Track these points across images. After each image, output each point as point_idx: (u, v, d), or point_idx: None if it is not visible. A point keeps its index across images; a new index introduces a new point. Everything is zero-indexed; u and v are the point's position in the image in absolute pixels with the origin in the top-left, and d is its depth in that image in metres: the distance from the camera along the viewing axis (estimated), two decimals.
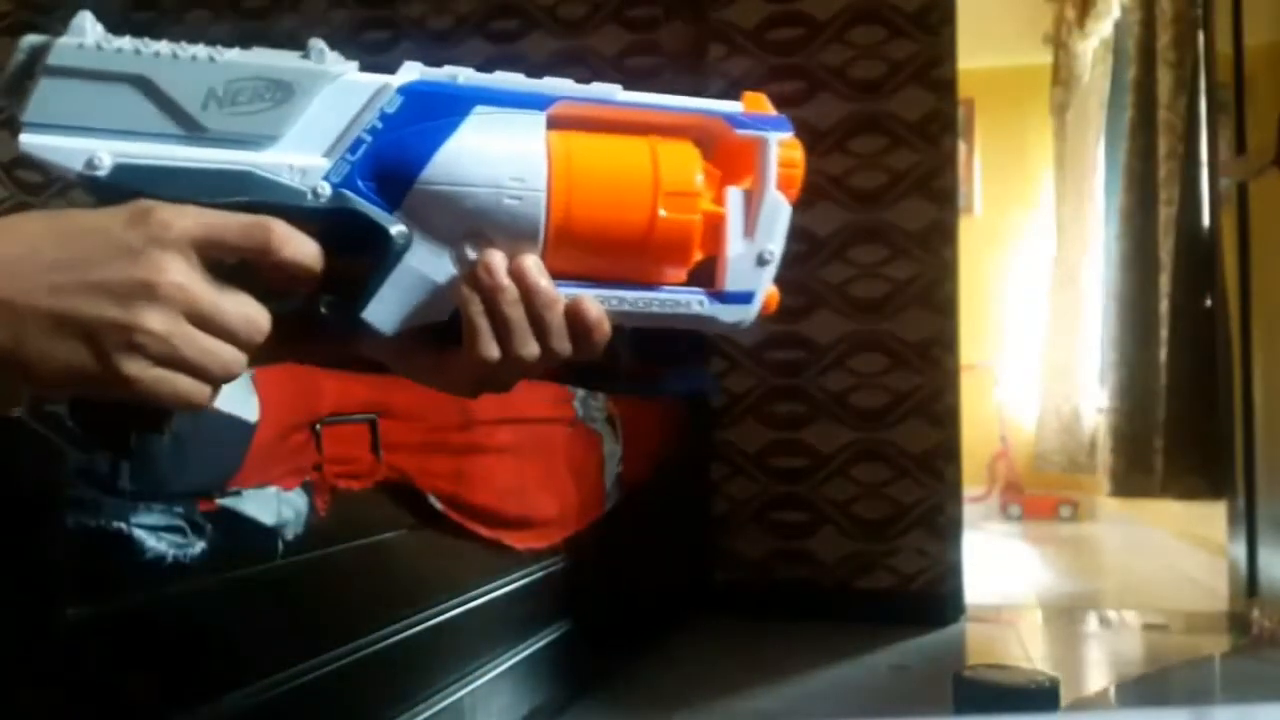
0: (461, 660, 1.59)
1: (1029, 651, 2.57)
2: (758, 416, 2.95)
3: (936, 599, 2.81)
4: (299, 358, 0.63)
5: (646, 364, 2.78)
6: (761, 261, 0.59)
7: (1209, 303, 2.99)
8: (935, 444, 2.85)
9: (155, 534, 0.97)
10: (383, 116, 0.54)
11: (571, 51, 3.19)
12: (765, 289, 0.60)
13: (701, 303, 0.59)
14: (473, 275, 0.54)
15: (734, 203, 0.58)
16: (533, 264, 0.55)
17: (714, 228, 0.58)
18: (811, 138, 2.88)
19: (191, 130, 0.51)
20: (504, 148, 0.55)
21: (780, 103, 0.60)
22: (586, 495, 2.01)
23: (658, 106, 0.58)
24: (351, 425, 1.31)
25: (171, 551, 0.98)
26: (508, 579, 1.74)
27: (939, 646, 2.59)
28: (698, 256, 0.58)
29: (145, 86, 0.50)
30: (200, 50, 0.51)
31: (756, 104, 0.60)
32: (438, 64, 0.57)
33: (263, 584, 1.16)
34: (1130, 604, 3.14)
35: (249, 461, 1.09)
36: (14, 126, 0.49)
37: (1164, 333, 3.05)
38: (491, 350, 0.55)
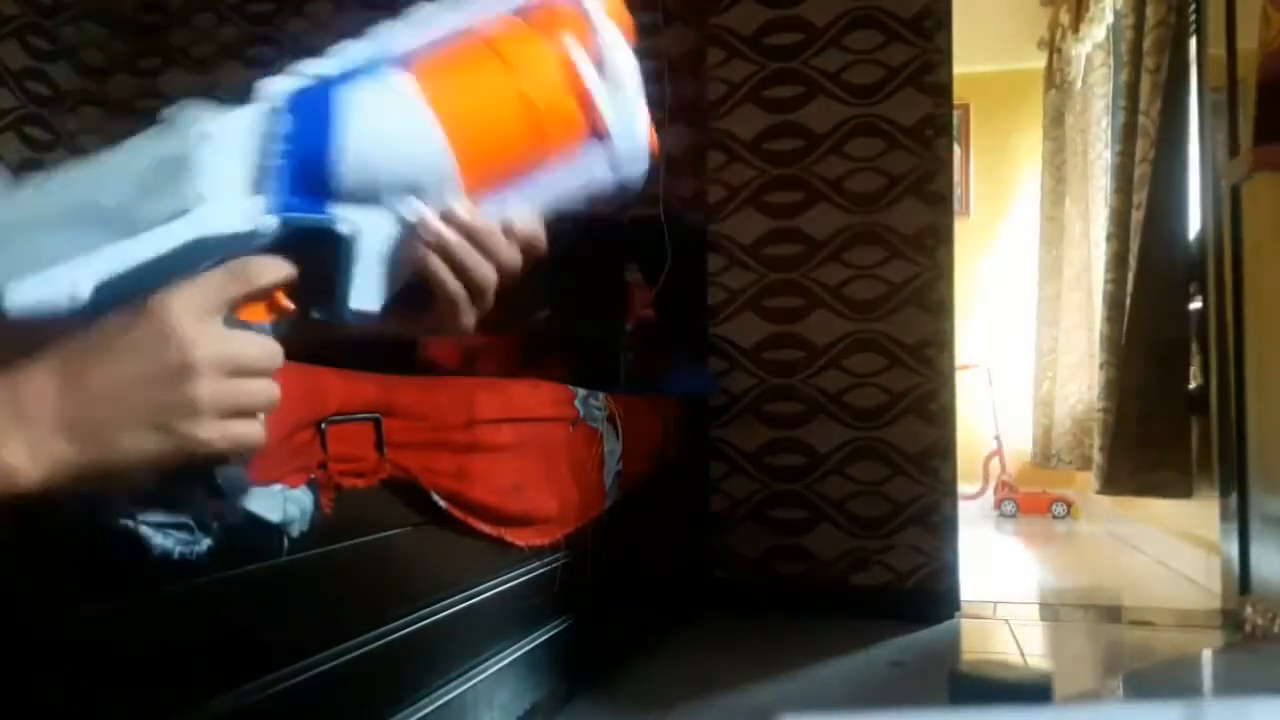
0: (464, 655, 1.61)
1: (1023, 647, 2.59)
2: (756, 415, 2.97)
3: (932, 595, 2.83)
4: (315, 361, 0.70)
5: (647, 364, 2.81)
6: (619, 89, 0.63)
7: (1199, 303, 3.01)
8: (931, 443, 2.87)
9: (162, 531, 0.97)
10: (284, 138, 0.57)
11: None
12: (642, 119, 0.64)
13: (597, 151, 0.63)
14: (416, 235, 0.60)
15: (577, 53, 0.63)
16: (459, 208, 0.60)
17: (577, 85, 0.62)
18: (809, 141, 2.90)
19: (135, 226, 0.55)
20: (393, 116, 0.60)
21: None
22: (587, 493, 2.02)
23: (479, 15, 0.63)
24: (356, 424, 1.31)
25: (178, 548, 0.99)
26: (509, 575, 1.76)
27: (934, 642, 2.61)
28: (582, 120, 0.63)
29: (80, 211, 0.55)
30: (99, 166, 0.56)
31: None
32: None
33: (268, 580, 1.16)
34: (1123, 601, 3.16)
35: (255, 460, 1.10)
36: None
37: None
38: (457, 287, 0.61)
